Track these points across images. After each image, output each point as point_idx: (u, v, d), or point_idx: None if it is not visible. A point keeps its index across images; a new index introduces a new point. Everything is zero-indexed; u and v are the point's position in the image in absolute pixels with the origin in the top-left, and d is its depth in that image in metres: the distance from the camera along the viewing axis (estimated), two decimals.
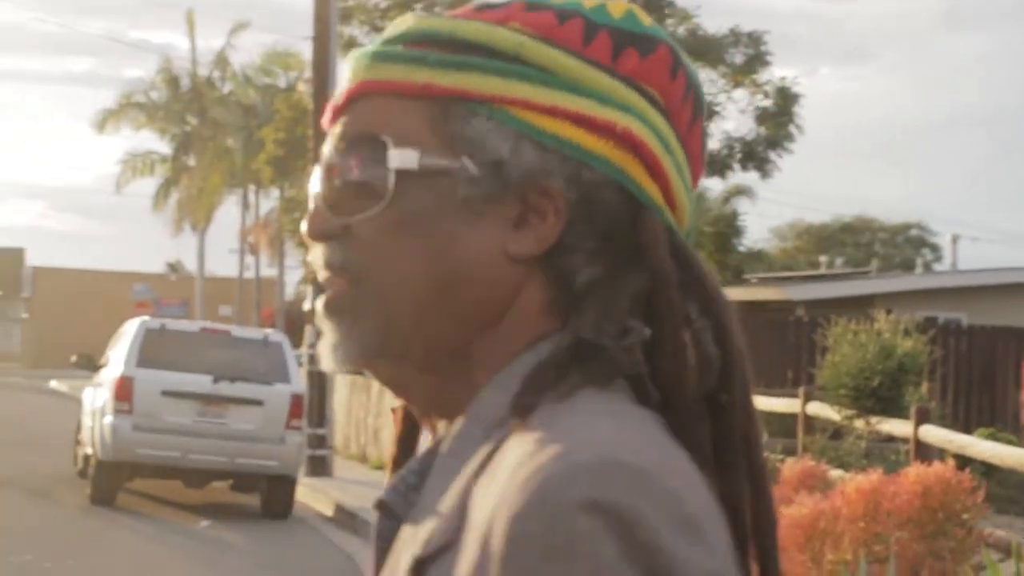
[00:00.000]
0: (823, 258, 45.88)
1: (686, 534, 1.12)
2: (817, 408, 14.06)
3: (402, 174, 1.31)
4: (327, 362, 1.36)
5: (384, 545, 1.34)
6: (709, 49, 25.46)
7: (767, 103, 26.15)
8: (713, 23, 61.39)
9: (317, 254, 1.36)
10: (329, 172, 1.36)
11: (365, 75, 1.36)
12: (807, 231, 59.50)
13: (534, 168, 1.31)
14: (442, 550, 1.22)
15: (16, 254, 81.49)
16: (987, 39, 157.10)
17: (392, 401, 1.49)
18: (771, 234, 59.41)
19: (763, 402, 14.64)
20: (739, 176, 28.59)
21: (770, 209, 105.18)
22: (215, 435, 16.82)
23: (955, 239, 49.08)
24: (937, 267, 53.19)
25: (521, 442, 1.20)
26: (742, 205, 25.69)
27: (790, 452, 13.69)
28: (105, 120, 51.81)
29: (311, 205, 1.37)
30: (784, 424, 15.92)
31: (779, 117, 26.02)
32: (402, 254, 1.31)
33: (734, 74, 26.00)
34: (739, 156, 26.00)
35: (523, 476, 1.15)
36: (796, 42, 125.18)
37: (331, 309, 1.35)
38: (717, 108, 26.06)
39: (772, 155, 26.02)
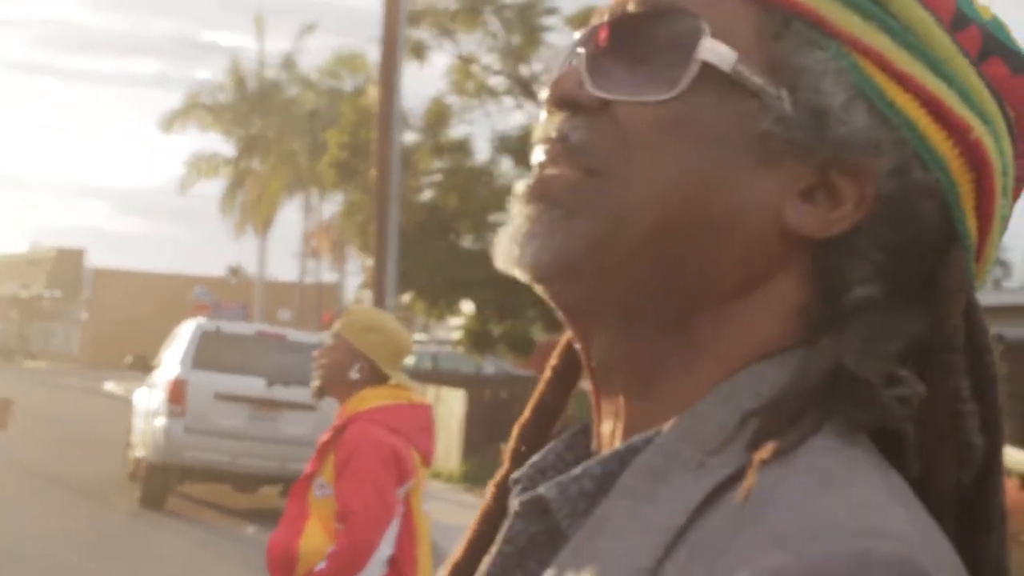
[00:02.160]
0: None
1: None
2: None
3: (708, 71, 1.07)
4: (507, 255, 1.11)
5: (514, 551, 1.11)
6: None
7: None
8: None
9: (550, 124, 1.12)
10: (610, 30, 1.12)
11: None
12: None
13: (860, 137, 1.07)
14: None
15: (76, 256, 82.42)
16: None
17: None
18: None
19: None
20: None
21: None
22: (267, 439, 16.74)
23: None
24: (1007, 284, 52.63)
25: (775, 497, 0.96)
26: None
27: None
28: (172, 121, 52.18)
29: (566, 64, 1.14)
30: None
31: None
32: (668, 161, 1.07)
33: None
34: None
35: (789, 539, 0.92)
36: None
37: (545, 194, 1.10)
38: None
39: None
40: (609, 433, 1.14)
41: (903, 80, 1.09)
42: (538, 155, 1.13)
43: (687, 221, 1.07)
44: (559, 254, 1.08)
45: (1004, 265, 56.94)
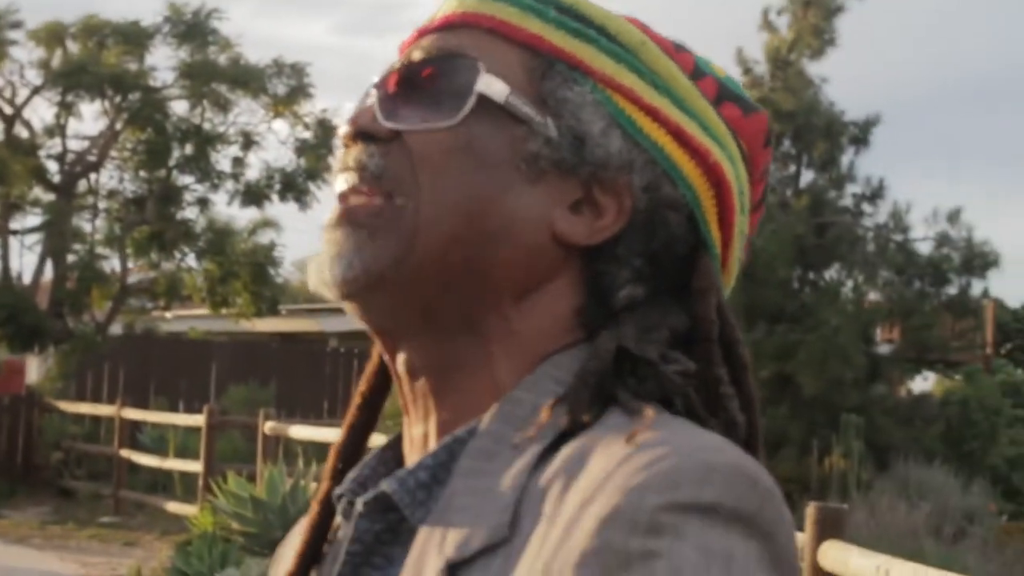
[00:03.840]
0: None
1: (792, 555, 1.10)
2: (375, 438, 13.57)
3: (484, 102, 1.25)
4: (320, 276, 1.25)
5: (361, 549, 1.25)
6: (252, 78, 25.50)
7: (307, 135, 26.23)
8: (252, 53, 62.98)
9: (348, 155, 1.28)
10: (400, 73, 1.30)
11: (474, 6, 1.31)
12: None
13: (616, 158, 1.26)
14: (483, 552, 1.14)
15: None
16: None
17: None
18: (294, 266, 59.83)
19: (312, 432, 14.93)
20: (277, 207, 27.92)
21: (291, 240, 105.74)
22: None
23: None
24: None
25: (606, 444, 1.13)
26: (271, 237, 26.24)
27: None
28: None
29: (365, 101, 1.30)
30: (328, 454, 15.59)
31: (319, 149, 26.02)
32: (452, 181, 1.24)
33: (276, 104, 25.98)
34: (278, 187, 25.98)
35: (650, 463, 1.08)
36: (328, 75, 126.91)
37: (351, 219, 1.26)
38: (257, 139, 26.20)
39: (311, 186, 26.09)
40: (421, 435, 1.28)
41: (651, 112, 1.27)
42: (340, 183, 1.28)
43: (471, 233, 1.23)
44: (364, 270, 1.23)
45: None
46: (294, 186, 25.85)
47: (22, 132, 25.49)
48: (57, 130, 25.66)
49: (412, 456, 1.30)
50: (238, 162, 25.96)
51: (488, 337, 1.25)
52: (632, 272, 1.27)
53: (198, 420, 17.76)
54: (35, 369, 26.25)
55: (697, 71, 1.33)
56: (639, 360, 1.22)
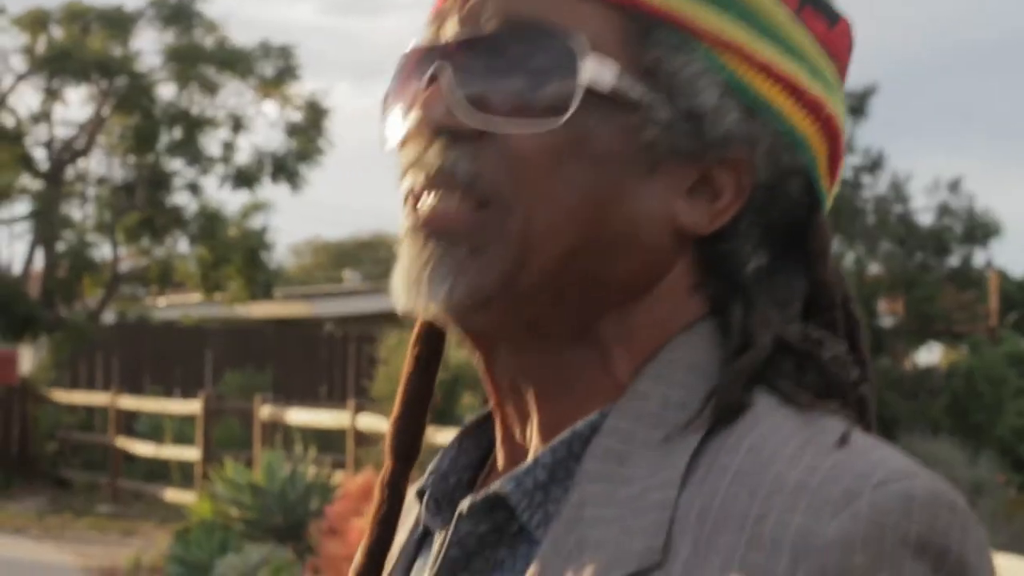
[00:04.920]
0: (347, 272, 47.13)
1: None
2: (368, 421, 14.04)
3: (590, 91, 1.08)
4: (412, 296, 1.10)
5: (462, 553, 1.11)
6: (239, 61, 25.43)
7: (297, 116, 26.15)
8: (239, 35, 61.59)
9: (422, 150, 1.10)
10: (471, 49, 1.10)
11: None
12: (325, 248, 60.06)
13: (735, 133, 1.11)
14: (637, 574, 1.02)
15: None
16: None
17: None
18: (289, 251, 60.17)
19: (310, 416, 14.97)
20: (268, 189, 27.90)
21: (285, 224, 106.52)
22: None
23: None
24: None
25: (772, 449, 1.04)
26: (263, 220, 26.55)
27: (340, 466, 13.76)
28: None
29: (429, 77, 1.10)
30: (328, 439, 16.17)
31: (309, 131, 26.01)
32: (565, 187, 1.08)
33: (264, 87, 25.88)
34: (270, 170, 25.90)
35: (841, 500, 0.99)
36: (317, 57, 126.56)
37: (442, 231, 1.09)
38: (246, 122, 26.11)
39: (302, 169, 26.04)
40: (520, 431, 1.16)
41: (764, 69, 1.12)
42: (413, 182, 1.11)
43: (591, 241, 1.09)
44: (472, 292, 1.08)
45: None
46: (285, 168, 25.66)
47: (8, 120, 25.36)
48: (43, 117, 25.49)
49: (511, 451, 1.18)
50: (228, 146, 25.84)
51: (603, 340, 1.13)
52: (752, 244, 1.15)
53: (194, 407, 17.63)
54: (28, 360, 26.05)
55: None
56: (795, 351, 1.11)
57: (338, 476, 12.71)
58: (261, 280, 25.65)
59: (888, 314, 22.90)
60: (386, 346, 15.64)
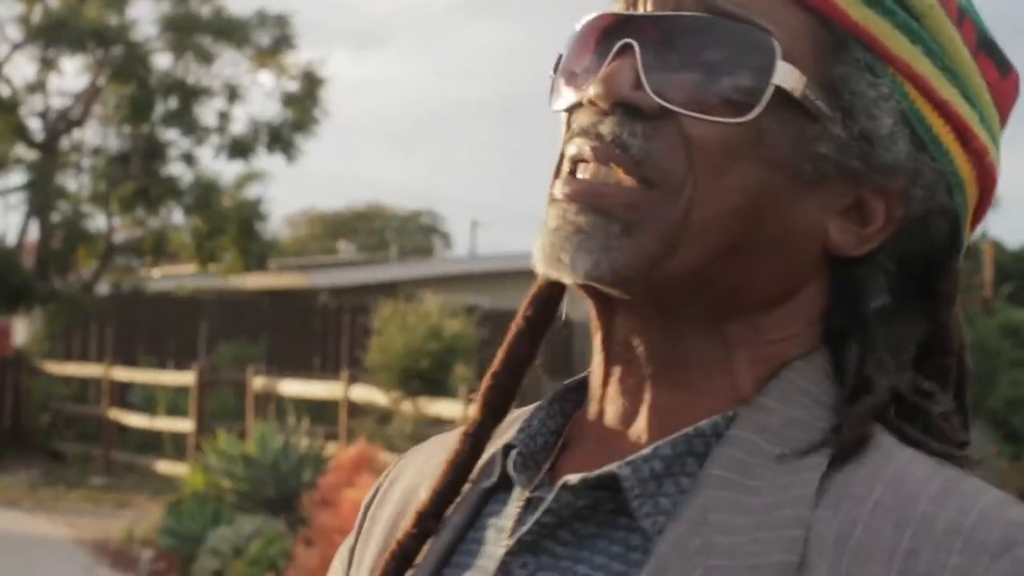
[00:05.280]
0: (343, 243, 47.27)
1: None
2: (361, 392, 14.19)
3: (778, 93, 1.09)
4: (550, 260, 1.10)
5: (555, 521, 1.11)
6: (235, 30, 25.38)
7: (293, 86, 26.12)
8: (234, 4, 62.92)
9: (597, 120, 1.09)
10: (664, 31, 1.10)
11: None
12: (320, 219, 60.10)
13: (901, 164, 1.12)
14: None
15: None
16: (504, 28, 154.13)
17: None
18: (284, 222, 60.02)
19: (303, 388, 15.15)
20: (263, 160, 28.05)
21: (280, 195, 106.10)
22: None
23: (474, 225, 52.81)
24: (451, 253, 55.06)
25: (908, 485, 1.06)
26: (259, 191, 25.87)
27: (332, 438, 13.80)
28: None
29: (615, 54, 1.10)
30: (321, 410, 16.20)
31: (305, 101, 25.99)
32: (734, 183, 1.09)
33: (260, 56, 25.85)
34: (265, 140, 25.88)
35: (998, 548, 1.02)
36: (314, 26, 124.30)
37: (601, 207, 1.09)
38: (242, 92, 26.07)
39: (298, 139, 26.05)
40: (626, 410, 1.15)
41: (940, 107, 1.12)
42: (578, 150, 1.10)
43: (745, 241, 1.10)
44: (615, 270, 1.08)
45: (445, 236, 58.27)
46: (281, 139, 25.60)
47: (3, 89, 25.27)
48: (38, 87, 25.42)
49: (608, 431, 1.17)
50: (223, 116, 25.77)
51: (731, 341, 1.14)
52: (885, 279, 1.15)
53: (188, 379, 17.63)
54: (22, 331, 26.04)
55: (959, 14, 1.16)
56: (906, 399, 1.14)
57: (331, 447, 12.73)
58: (256, 251, 25.59)
59: None
60: (380, 317, 15.63)
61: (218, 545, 11.19)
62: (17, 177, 25.57)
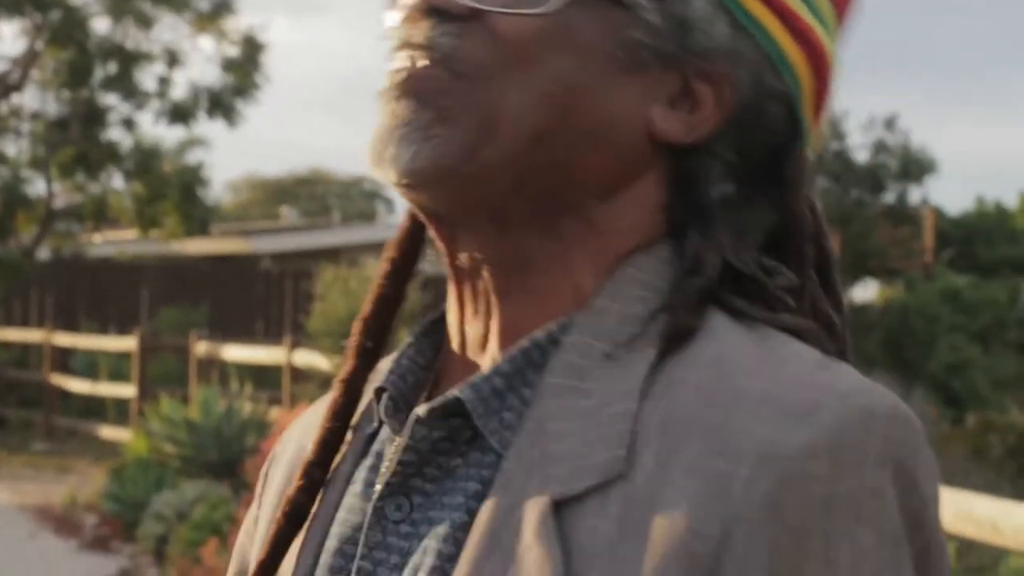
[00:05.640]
0: (285, 208, 47.24)
1: (937, 501, 1.07)
2: (304, 357, 14.15)
3: None
4: (378, 153, 1.12)
5: (416, 458, 1.12)
6: None
7: (233, 51, 25.87)
8: None
9: (413, 30, 1.13)
10: None
11: None
12: (262, 184, 60.07)
13: (721, 46, 1.14)
14: (596, 489, 1.04)
15: None
16: None
17: None
18: (226, 187, 59.94)
19: (246, 353, 15.20)
20: (204, 125, 27.97)
21: (222, 160, 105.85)
22: None
23: None
24: (394, 219, 55.07)
25: (733, 363, 1.07)
26: (200, 156, 25.78)
27: (276, 402, 13.83)
28: None
29: None
30: (264, 375, 16.21)
31: (246, 66, 25.78)
32: (545, 72, 1.11)
33: (200, 21, 25.66)
34: (206, 105, 25.68)
35: (805, 411, 1.02)
36: None
37: (414, 91, 1.12)
38: (182, 57, 25.78)
39: (239, 104, 25.83)
40: (480, 334, 1.16)
41: None
42: (399, 61, 1.13)
43: (562, 129, 1.11)
44: (434, 161, 1.10)
45: (388, 202, 58.51)
46: (221, 104, 25.45)
47: None
48: None
49: (469, 355, 1.18)
50: (163, 81, 25.61)
51: (566, 237, 1.14)
52: (724, 167, 1.16)
53: (130, 344, 17.60)
54: None
55: None
56: (744, 276, 1.14)
57: (274, 412, 12.72)
58: (197, 216, 25.46)
59: None
60: (323, 282, 15.59)
61: (162, 510, 11.19)
62: None
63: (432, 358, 1.22)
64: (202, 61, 27.16)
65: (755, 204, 1.17)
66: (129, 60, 25.13)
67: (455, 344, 1.19)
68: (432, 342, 1.23)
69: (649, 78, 1.13)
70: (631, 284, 1.13)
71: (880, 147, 22.18)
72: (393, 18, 1.16)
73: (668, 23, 1.13)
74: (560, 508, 1.04)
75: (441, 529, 1.10)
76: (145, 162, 25.22)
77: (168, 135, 56.34)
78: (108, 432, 17.60)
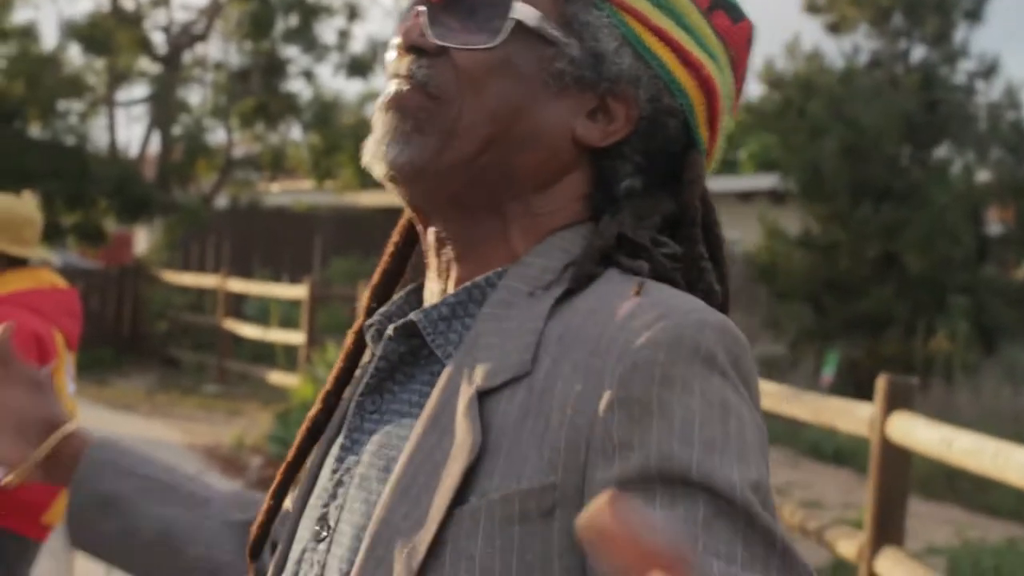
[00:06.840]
0: None
1: (756, 392, 1.40)
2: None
3: (519, 26, 1.48)
4: (373, 152, 1.51)
5: (387, 366, 1.52)
6: None
7: None
8: None
9: (399, 63, 1.52)
10: None
11: None
12: None
13: (626, 73, 1.51)
14: (509, 383, 1.39)
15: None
16: None
17: None
18: None
19: None
20: (382, 79, 27.00)
21: None
22: None
23: None
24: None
25: (610, 300, 1.40)
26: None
27: None
28: None
29: (413, 14, 1.52)
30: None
31: None
32: (491, 93, 1.48)
33: None
34: (383, 59, 24.90)
35: (654, 321, 1.35)
36: None
37: (400, 105, 1.50)
38: (361, 11, 26.33)
39: None
40: (441, 288, 1.55)
41: (658, 32, 1.51)
42: (389, 87, 1.51)
43: (506, 137, 1.48)
44: (410, 159, 1.48)
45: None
46: None
47: (127, 3, 25.57)
48: (162, 1, 25.68)
49: (436, 303, 1.53)
50: (343, 34, 25.92)
51: (509, 218, 1.51)
52: (633, 167, 1.52)
53: (301, 292, 17.79)
54: (142, 240, 26.43)
55: None
56: (636, 244, 1.48)
57: None
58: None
59: (997, 222, 22.63)
60: None
61: None
62: (140, 90, 26.14)
63: (418, 307, 1.58)
64: (381, 15, 27.26)
65: (656, 196, 1.52)
66: (310, 13, 25.44)
67: (427, 297, 1.57)
68: (419, 298, 1.60)
69: (572, 97, 1.50)
70: (554, 248, 1.49)
71: None
72: (390, 55, 1.53)
73: (585, 55, 1.49)
74: (482, 397, 1.39)
75: (399, 417, 1.48)
76: (323, 114, 25.56)
77: (347, 88, 56.72)
78: (276, 377, 17.80)
